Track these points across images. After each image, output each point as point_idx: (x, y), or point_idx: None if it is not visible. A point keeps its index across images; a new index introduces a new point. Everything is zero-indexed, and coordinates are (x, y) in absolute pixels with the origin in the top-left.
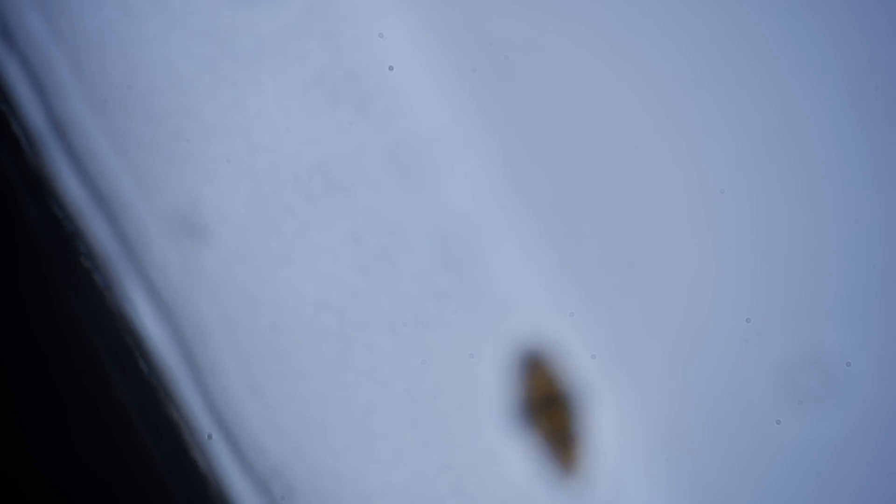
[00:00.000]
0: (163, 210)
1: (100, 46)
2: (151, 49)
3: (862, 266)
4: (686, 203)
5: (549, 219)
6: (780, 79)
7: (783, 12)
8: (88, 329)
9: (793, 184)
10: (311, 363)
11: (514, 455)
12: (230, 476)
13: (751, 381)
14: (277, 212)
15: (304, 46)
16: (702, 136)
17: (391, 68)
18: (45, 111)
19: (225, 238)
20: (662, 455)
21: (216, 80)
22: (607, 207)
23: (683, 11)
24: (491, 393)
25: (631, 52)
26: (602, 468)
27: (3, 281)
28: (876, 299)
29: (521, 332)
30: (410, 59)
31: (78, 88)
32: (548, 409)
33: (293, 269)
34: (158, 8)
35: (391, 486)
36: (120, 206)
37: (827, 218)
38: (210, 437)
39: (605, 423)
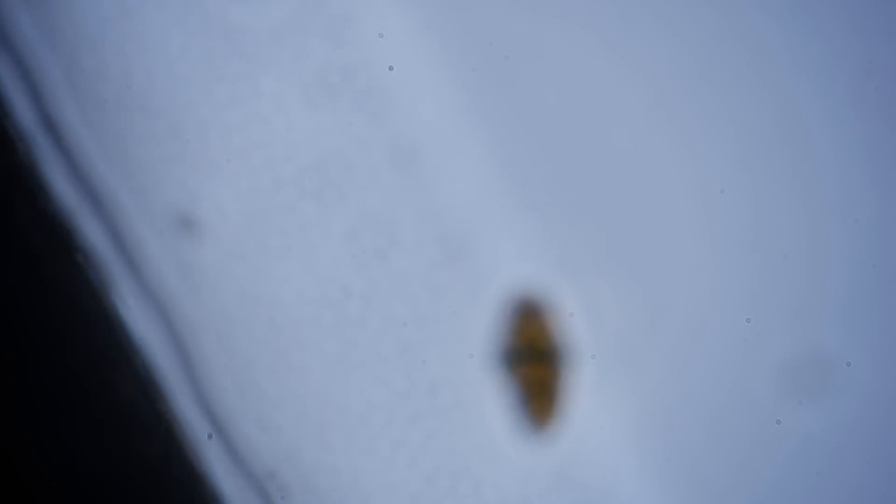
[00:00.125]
0: (160, 208)
1: (98, 45)
2: (150, 48)
3: (862, 266)
4: (686, 203)
5: (548, 218)
6: (780, 79)
7: (783, 12)
8: (83, 328)
9: (793, 184)
10: (309, 362)
11: (514, 455)
12: (229, 476)
13: (751, 381)
14: (275, 210)
15: (304, 46)
16: (702, 136)
17: (391, 68)
18: (39, 110)
19: (222, 236)
20: (662, 455)
21: (215, 80)
22: (607, 207)
23: (683, 11)
24: (491, 393)
25: (631, 52)
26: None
27: None
28: (876, 299)
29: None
30: (410, 58)
31: (76, 87)
32: (532, 360)
33: (291, 267)
34: (158, 7)
35: (391, 485)
36: (117, 205)
37: (827, 218)
38: (210, 436)
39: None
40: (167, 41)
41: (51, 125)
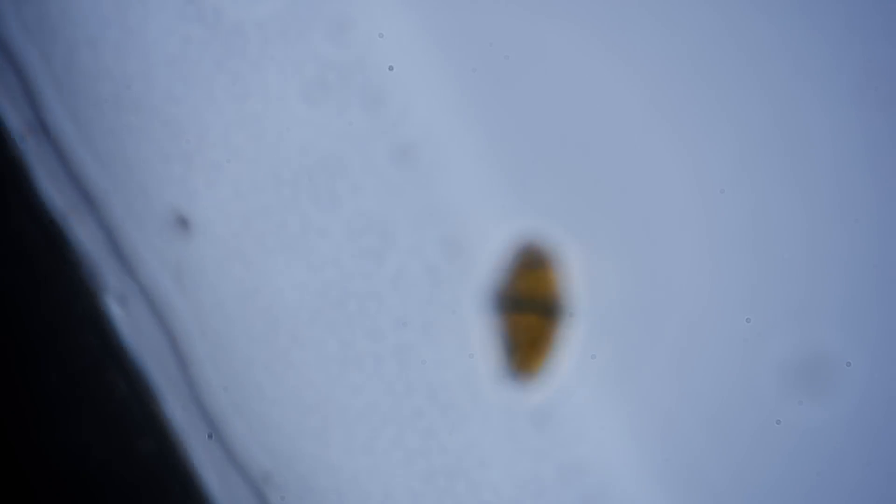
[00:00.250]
0: (157, 208)
1: (97, 44)
2: (149, 47)
3: (862, 266)
4: (685, 203)
5: (547, 217)
6: (779, 78)
7: (782, 12)
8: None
9: (793, 184)
10: (308, 361)
11: (514, 456)
12: (229, 476)
13: (750, 381)
14: (274, 210)
15: (303, 46)
16: (701, 136)
17: (391, 68)
18: (32, 109)
19: (221, 236)
20: (661, 456)
21: (215, 78)
22: (607, 207)
23: (683, 11)
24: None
25: (631, 52)
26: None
27: None
28: (876, 299)
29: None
30: (410, 58)
31: (73, 87)
32: (527, 311)
33: (290, 267)
34: (158, 6)
35: (390, 485)
36: (113, 205)
37: (827, 218)
38: (210, 436)
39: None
40: (167, 41)
41: (45, 125)
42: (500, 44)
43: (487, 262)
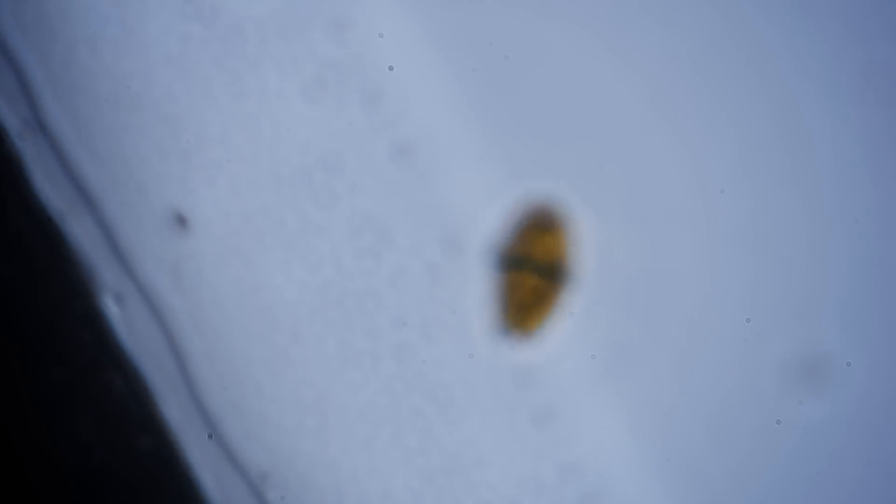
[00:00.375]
0: (156, 207)
1: (95, 42)
2: (148, 45)
3: (862, 266)
4: (685, 203)
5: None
6: (779, 78)
7: (782, 12)
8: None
9: (792, 184)
10: (308, 360)
11: (513, 456)
12: (227, 474)
13: (750, 380)
14: (274, 210)
15: (303, 46)
16: (701, 136)
17: (391, 68)
18: (30, 108)
19: (219, 234)
20: (660, 455)
21: (213, 77)
22: (607, 207)
23: (683, 11)
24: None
25: (631, 52)
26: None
27: None
28: (876, 299)
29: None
30: (410, 58)
31: (73, 85)
32: (528, 270)
33: (289, 266)
34: (156, 4)
35: (389, 484)
36: (111, 204)
37: (827, 218)
38: (210, 436)
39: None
40: (166, 39)
41: (42, 124)
42: (500, 44)
43: (488, 262)
